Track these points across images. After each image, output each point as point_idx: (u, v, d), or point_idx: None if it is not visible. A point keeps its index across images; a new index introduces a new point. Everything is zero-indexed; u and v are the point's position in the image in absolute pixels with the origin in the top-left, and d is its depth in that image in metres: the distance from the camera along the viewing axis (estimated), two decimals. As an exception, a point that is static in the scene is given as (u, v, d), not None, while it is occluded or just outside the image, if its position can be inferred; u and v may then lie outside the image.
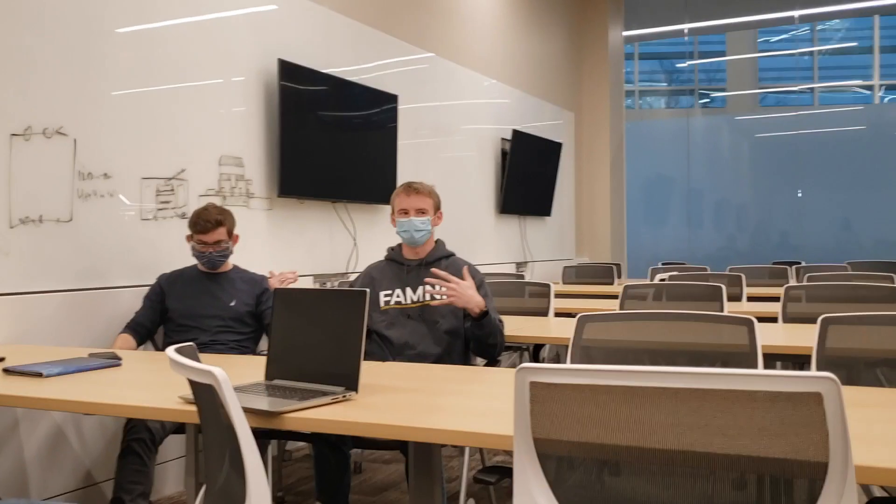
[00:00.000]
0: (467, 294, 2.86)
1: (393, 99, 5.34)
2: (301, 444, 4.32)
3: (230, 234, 3.42)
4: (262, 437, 2.78)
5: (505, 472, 1.57)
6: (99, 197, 3.46)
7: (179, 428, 3.00)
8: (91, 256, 3.44)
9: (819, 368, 2.31)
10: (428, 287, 2.93)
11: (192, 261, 3.47)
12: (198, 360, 1.63)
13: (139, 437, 2.90)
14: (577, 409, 1.32)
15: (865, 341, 2.43)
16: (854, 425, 1.20)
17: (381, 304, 3.05)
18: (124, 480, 2.88)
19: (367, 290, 2.02)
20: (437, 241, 3.16)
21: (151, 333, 3.43)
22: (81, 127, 3.39)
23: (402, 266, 3.10)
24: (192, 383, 1.61)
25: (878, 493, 2.27)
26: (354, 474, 3.92)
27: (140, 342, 3.37)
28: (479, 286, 2.99)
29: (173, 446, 3.69)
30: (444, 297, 2.89)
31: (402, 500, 3.52)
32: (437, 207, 3.11)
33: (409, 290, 3.05)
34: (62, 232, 3.32)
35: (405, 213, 3.04)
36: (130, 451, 2.89)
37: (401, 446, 2.63)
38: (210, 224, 3.34)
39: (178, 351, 1.65)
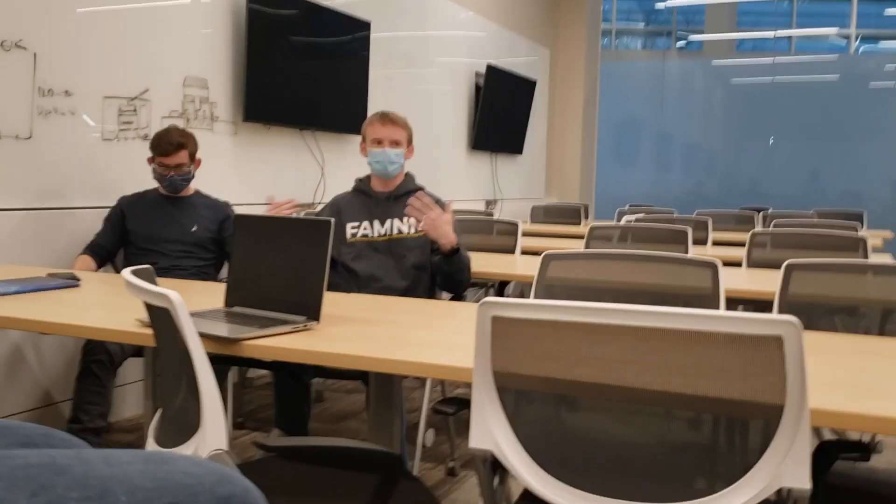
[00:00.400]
0: (444, 227, 2.82)
1: (365, 26, 5.22)
2: (262, 371, 4.32)
3: (192, 157, 3.35)
4: (222, 363, 2.77)
5: (464, 404, 1.57)
6: (59, 114, 3.36)
7: (139, 351, 2.98)
8: (51, 175, 3.35)
9: (781, 313, 2.33)
10: (408, 215, 2.86)
11: (155, 183, 3.40)
12: (155, 283, 1.60)
13: (98, 359, 2.87)
14: (537, 344, 1.31)
15: (827, 288, 2.46)
16: (810, 369, 1.20)
17: (348, 236, 3.02)
18: (82, 401, 2.86)
19: (332, 219, 1.98)
20: (407, 174, 3.11)
21: (112, 256, 3.37)
22: (42, 42, 3.26)
23: (370, 198, 3.06)
24: (148, 306, 1.58)
25: (828, 435, 2.32)
26: (315, 403, 3.94)
27: (100, 264, 3.31)
28: None
29: (134, 369, 3.67)
30: (419, 226, 2.84)
31: (362, 429, 3.55)
32: (410, 140, 3.06)
33: (376, 223, 3.02)
34: (21, 149, 3.23)
35: (379, 142, 2.97)
36: (89, 372, 2.87)
37: (362, 376, 2.64)
38: (171, 146, 3.26)
39: (135, 273, 1.61)
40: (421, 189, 3.09)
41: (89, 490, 0.57)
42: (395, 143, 2.97)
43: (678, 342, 1.23)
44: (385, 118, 3.00)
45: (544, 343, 1.31)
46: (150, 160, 3.33)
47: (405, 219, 2.99)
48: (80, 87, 3.43)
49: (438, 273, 2.97)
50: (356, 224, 3.02)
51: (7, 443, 0.75)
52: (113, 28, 3.57)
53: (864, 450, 1.59)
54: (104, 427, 2.92)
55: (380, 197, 3.04)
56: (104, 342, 2.87)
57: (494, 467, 1.44)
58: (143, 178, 3.50)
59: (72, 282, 2.49)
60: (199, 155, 3.40)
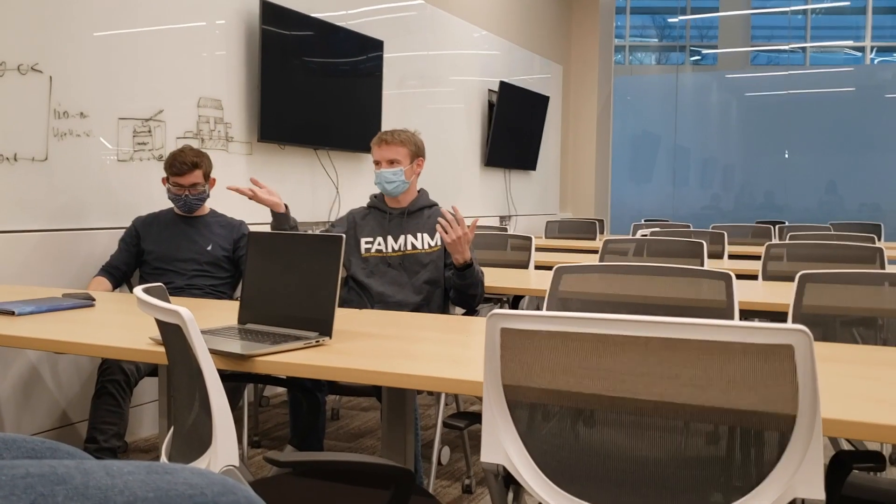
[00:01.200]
0: (464, 245, 2.81)
1: (379, 46, 5.25)
2: (279, 390, 4.33)
3: (207, 177, 3.37)
4: (238, 380, 2.78)
5: (475, 419, 1.56)
6: (75, 136, 3.40)
7: (155, 370, 2.99)
8: (67, 196, 3.39)
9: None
10: (439, 224, 2.83)
11: (170, 203, 3.42)
12: (167, 301, 1.60)
13: (113, 379, 2.89)
14: (546, 357, 1.31)
15: (842, 300, 2.44)
16: (825, 379, 1.19)
17: (362, 251, 3.03)
18: (98, 421, 2.88)
19: (343, 235, 1.99)
20: (421, 191, 3.12)
21: (127, 276, 3.40)
22: (57, 64, 3.31)
23: (384, 214, 3.07)
24: (160, 324, 1.59)
25: (845, 446, 2.29)
26: (332, 421, 3.94)
27: (116, 285, 3.34)
28: None
29: (150, 389, 3.69)
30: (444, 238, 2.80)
31: (378, 447, 3.54)
32: (417, 155, 3.05)
33: (390, 239, 3.02)
34: (37, 171, 3.26)
35: (378, 164, 3.01)
36: (105, 391, 2.89)
37: (375, 393, 2.64)
38: (186, 166, 3.28)
39: (147, 291, 1.62)
40: (435, 205, 3.10)
41: (89, 499, 0.58)
42: (392, 163, 2.99)
43: (688, 353, 1.22)
44: (380, 140, 3.04)
45: (554, 355, 1.30)
46: (165, 180, 3.36)
47: (419, 234, 3.00)
48: (95, 109, 3.47)
49: (452, 288, 2.97)
50: (370, 239, 3.04)
51: (13, 456, 0.75)
52: (128, 50, 3.61)
53: (880, 460, 1.57)
54: (121, 447, 2.93)
55: (393, 213, 3.05)
56: (119, 362, 2.89)
57: (507, 482, 1.43)
58: (158, 199, 3.53)
59: (87, 301, 2.51)
60: (213, 175, 3.43)
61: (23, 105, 3.19)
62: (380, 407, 2.80)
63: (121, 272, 3.35)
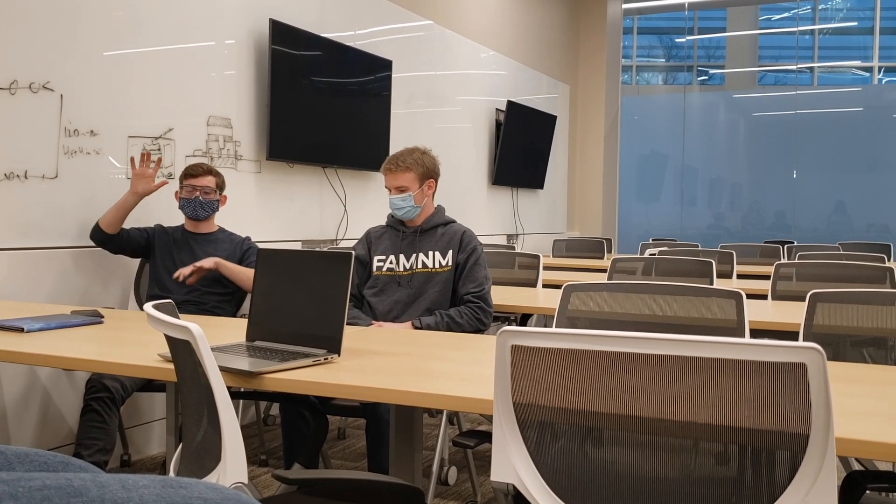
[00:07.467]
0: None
1: (388, 65, 5.28)
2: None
3: (220, 188, 3.45)
4: (238, 397, 2.77)
5: (484, 437, 1.56)
6: (85, 154, 3.42)
7: (144, 386, 3.04)
8: (76, 214, 3.40)
9: (805, 344, 2.30)
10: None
11: (180, 221, 3.45)
12: (177, 317, 1.61)
13: (97, 396, 2.93)
14: (557, 375, 1.30)
15: (853, 319, 2.43)
16: (836, 399, 1.19)
17: (374, 268, 3.04)
18: (84, 437, 2.91)
19: (353, 252, 2.00)
20: (438, 208, 3.11)
21: (127, 245, 3.39)
22: (68, 83, 3.33)
23: (398, 232, 3.07)
24: (170, 340, 1.59)
25: (856, 466, 2.27)
26: (338, 440, 3.93)
27: (119, 238, 3.34)
28: (471, 254, 2.98)
29: (158, 406, 3.68)
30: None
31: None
32: (427, 177, 3.04)
33: (402, 257, 3.02)
34: (47, 188, 3.28)
35: (389, 190, 3.02)
36: (90, 408, 2.93)
37: (364, 413, 2.65)
38: (201, 169, 3.41)
39: (158, 308, 1.62)
40: (451, 222, 3.09)
41: (104, 513, 0.57)
42: (400, 190, 2.99)
43: (700, 371, 1.22)
44: (387, 167, 3.02)
45: (564, 373, 1.30)
46: (177, 194, 3.42)
47: (430, 253, 3.00)
48: (105, 127, 3.50)
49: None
50: (382, 258, 3.04)
51: (26, 469, 0.75)
52: (138, 69, 3.64)
53: (894, 480, 1.56)
54: (106, 462, 2.94)
55: (407, 231, 3.06)
56: (103, 380, 2.92)
57: (517, 501, 1.42)
58: (167, 217, 3.54)
59: (95, 319, 2.51)
60: (224, 192, 3.49)
61: (34, 123, 3.21)
62: (375, 426, 2.78)
63: (127, 238, 3.36)
